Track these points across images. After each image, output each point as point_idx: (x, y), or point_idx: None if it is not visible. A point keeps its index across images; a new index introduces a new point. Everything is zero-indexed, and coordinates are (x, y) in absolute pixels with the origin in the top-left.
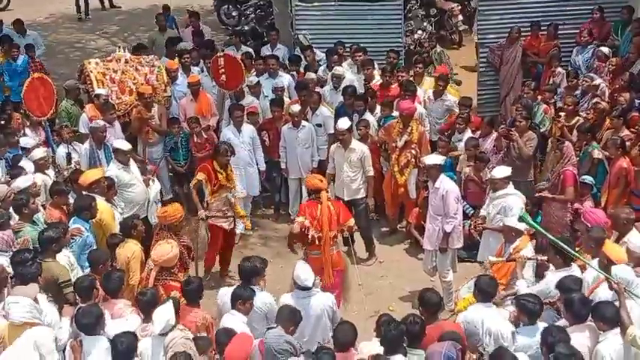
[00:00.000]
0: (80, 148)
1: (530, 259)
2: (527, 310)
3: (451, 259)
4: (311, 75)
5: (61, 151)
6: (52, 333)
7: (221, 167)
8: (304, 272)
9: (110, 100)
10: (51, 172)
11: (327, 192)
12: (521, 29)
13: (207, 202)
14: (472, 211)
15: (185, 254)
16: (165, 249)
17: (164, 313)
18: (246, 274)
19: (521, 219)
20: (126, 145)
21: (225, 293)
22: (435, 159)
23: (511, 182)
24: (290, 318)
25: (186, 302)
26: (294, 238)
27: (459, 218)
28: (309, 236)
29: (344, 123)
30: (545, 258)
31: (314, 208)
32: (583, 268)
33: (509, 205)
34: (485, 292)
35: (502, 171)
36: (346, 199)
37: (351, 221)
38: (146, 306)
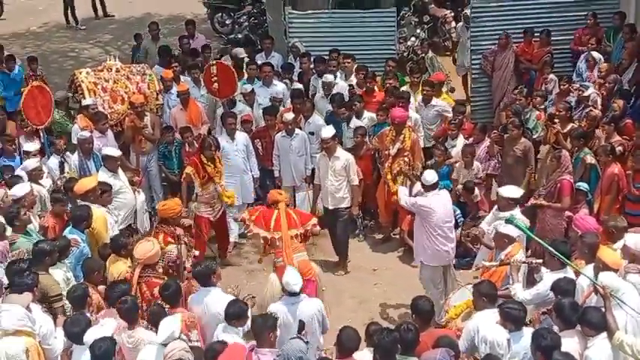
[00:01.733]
0: (71, 159)
1: (524, 262)
2: (512, 317)
3: (432, 276)
4: (297, 85)
5: (53, 161)
6: (23, 344)
7: (208, 160)
8: (293, 278)
9: (102, 109)
10: (47, 181)
11: (287, 204)
12: (514, 35)
13: (196, 194)
14: (462, 220)
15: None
16: (147, 247)
17: (170, 325)
18: (202, 276)
19: (509, 221)
20: (116, 152)
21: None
22: (429, 176)
23: (518, 206)
24: (269, 326)
25: (169, 306)
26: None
27: (439, 237)
28: (269, 239)
29: (328, 132)
30: (540, 261)
31: (270, 213)
32: (577, 273)
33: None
34: (491, 295)
35: (511, 191)
36: (330, 207)
37: (314, 220)
38: (128, 313)
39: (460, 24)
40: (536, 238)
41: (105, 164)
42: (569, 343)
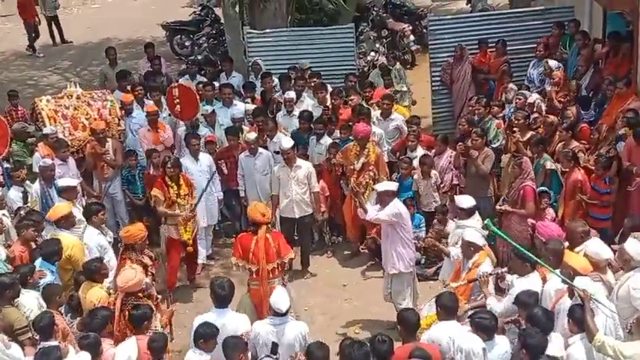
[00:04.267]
0: (32, 189)
1: (491, 274)
2: (484, 327)
3: (405, 285)
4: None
5: (14, 193)
6: None
7: (172, 181)
8: (280, 298)
9: (63, 136)
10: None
11: (268, 226)
12: (471, 46)
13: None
14: (425, 229)
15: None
16: (130, 274)
17: (125, 351)
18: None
19: (485, 227)
20: (72, 182)
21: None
22: (387, 185)
23: (477, 213)
24: (240, 348)
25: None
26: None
27: (409, 243)
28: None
29: (288, 142)
30: (505, 269)
31: (249, 242)
32: (544, 280)
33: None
34: (448, 307)
35: (466, 201)
36: (297, 216)
37: (291, 254)
38: (90, 348)
39: None
40: (512, 242)
41: (62, 195)
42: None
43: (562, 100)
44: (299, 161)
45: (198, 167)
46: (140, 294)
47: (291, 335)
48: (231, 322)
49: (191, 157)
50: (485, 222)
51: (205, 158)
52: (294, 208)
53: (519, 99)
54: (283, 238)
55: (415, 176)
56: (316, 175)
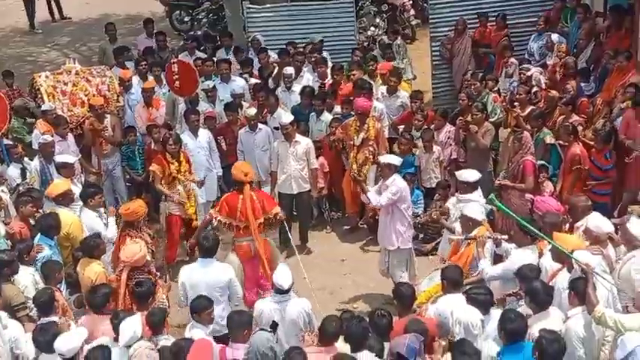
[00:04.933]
0: (31, 166)
1: (489, 237)
2: (479, 302)
3: (404, 261)
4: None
5: (13, 170)
6: None
7: (173, 157)
8: (282, 275)
9: (62, 112)
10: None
11: (251, 185)
12: (471, 21)
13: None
14: (424, 206)
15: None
16: (135, 249)
17: (130, 326)
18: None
19: (489, 201)
20: (71, 159)
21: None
22: (391, 159)
23: (479, 188)
24: (244, 322)
25: (136, 306)
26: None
27: (409, 219)
28: (234, 226)
29: (287, 117)
30: (505, 237)
31: (235, 200)
32: (541, 254)
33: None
34: (454, 280)
35: (470, 175)
36: (295, 192)
37: (277, 209)
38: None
39: None
40: (515, 216)
41: (60, 172)
42: (543, 325)
43: (563, 73)
44: (298, 137)
45: (197, 143)
46: (143, 268)
47: (294, 312)
48: (215, 270)
49: (190, 133)
50: (490, 197)
51: (204, 134)
52: (292, 184)
53: (523, 73)
54: (267, 194)
55: (417, 151)
56: (317, 151)
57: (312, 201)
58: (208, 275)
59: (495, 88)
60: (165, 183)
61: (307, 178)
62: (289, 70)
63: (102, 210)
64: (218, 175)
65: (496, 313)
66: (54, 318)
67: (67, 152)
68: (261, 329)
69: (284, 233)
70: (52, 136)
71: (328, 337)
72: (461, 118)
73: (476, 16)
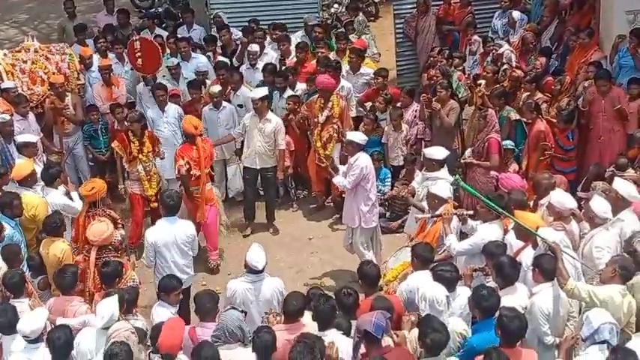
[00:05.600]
0: None
1: (455, 213)
2: (445, 279)
3: (368, 238)
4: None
5: None
6: None
7: (134, 136)
8: (256, 255)
9: (21, 91)
10: None
11: (201, 136)
12: None
13: (127, 172)
14: (392, 182)
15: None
16: (101, 228)
17: (108, 307)
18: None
19: (455, 182)
20: (32, 138)
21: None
22: (355, 136)
23: (445, 166)
24: (214, 302)
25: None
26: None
27: (373, 198)
28: (192, 175)
29: (258, 92)
30: (471, 212)
31: (190, 151)
32: (506, 231)
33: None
34: (424, 257)
35: (438, 152)
36: (258, 167)
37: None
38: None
39: None
40: (480, 196)
41: (22, 152)
42: (511, 299)
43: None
44: (270, 115)
45: (164, 119)
46: (110, 247)
47: (268, 291)
48: (181, 227)
49: (156, 108)
50: (455, 178)
51: (173, 110)
52: (255, 159)
53: (495, 49)
54: (210, 144)
55: (386, 128)
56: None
57: (278, 181)
58: (177, 232)
59: (460, 67)
60: (126, 161)
61: (272, 155)
62: (254, 47)
63: (62, 187)
64: None
65: (462, 289)
66: (24, 300)
67: (29, 131)
68: (233, 308)
69: (249, 209)
70: (12, 115)
71: (293, 314)
72: (424, 94)
73: None
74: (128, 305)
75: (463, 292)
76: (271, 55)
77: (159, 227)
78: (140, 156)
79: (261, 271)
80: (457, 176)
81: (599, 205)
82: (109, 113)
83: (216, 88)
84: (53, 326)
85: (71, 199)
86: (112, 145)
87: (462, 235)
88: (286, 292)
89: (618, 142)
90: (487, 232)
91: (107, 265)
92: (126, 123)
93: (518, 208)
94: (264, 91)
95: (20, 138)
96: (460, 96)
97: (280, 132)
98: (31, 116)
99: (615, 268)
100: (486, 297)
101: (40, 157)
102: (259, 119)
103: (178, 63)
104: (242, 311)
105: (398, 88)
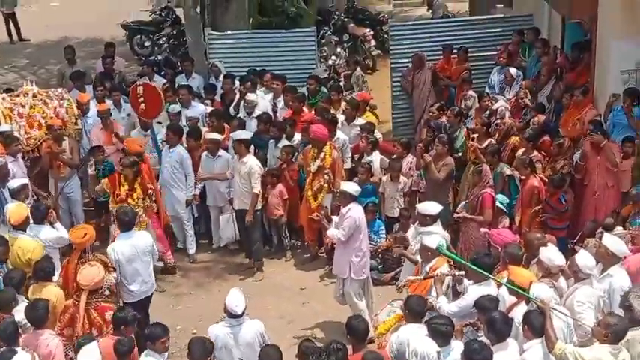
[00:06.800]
0: None
1: (447, 274)
2: (440, 333)
3: (359, 290)
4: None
5: None
6: None
7: (125, 180)
8: (235, 299)
9: (18, 135)
10: None
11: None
12: (432, 53)
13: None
14: (385, 235)
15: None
16: (93, 272)
17: (90, 355)
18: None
19: (438, 249)
20: (25, 181)
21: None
22: (348, 187)
23: (439, 221)
24: (206, 350)
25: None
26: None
27: (364, 249)
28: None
29: (237, 134)
30: (463, 272)
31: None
32: (499, 285)
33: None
34: (416, 311)
35: (432, 207)
36: (236, 208)
37: None
38: None
39: None
40: (463, 261)
41: (15, 197)
42: (502, 356)
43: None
44: (247, 158)
45: (167, 158)
46: (101, 290)
47: (249, 335)
48: (141, 238)
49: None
50: (438, 244)
51: (179, 153)
52: (235, 200)
53: (491, 103)
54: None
55: (384, 178)
56: (275, 179)
57: (256, 226)
58: (137, 244)
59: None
60: (113, 203)
61: (249, 197)
62: (251, 96)
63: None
64: (187, 197)
65: (456, 343)
66: (18, 348)
67: (19, 173)
68: None
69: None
70: (4, 158)
71: None
72: (420, 145)
73: (435, 48)
74: (123, 355)
75: (457, 346)
76: (262, 103)
77: (119, 244)
78: (130, 200)
79: (241, 315)
80: (440, 243)
81: (584, 259)
82: (114, 154)
83: (217, 135)
84: None
85: (55, 229)
86: (102, 181)
87: (455, 292)
88: (269, 337)
89: (613, 198)
90: (477, 294)
91: (121, 343)
92: (117, 168)
93: (513, 263)
94: (246, 134)
95: (13, 183)
96: (462, 154)
97: (252, 175)
98: (20, 158)
99: (608, 333)
100: (478, 350)
101: (30, 200)
102: (238, 160)
103: (180, 111)
104: None
105: (392, 141)
